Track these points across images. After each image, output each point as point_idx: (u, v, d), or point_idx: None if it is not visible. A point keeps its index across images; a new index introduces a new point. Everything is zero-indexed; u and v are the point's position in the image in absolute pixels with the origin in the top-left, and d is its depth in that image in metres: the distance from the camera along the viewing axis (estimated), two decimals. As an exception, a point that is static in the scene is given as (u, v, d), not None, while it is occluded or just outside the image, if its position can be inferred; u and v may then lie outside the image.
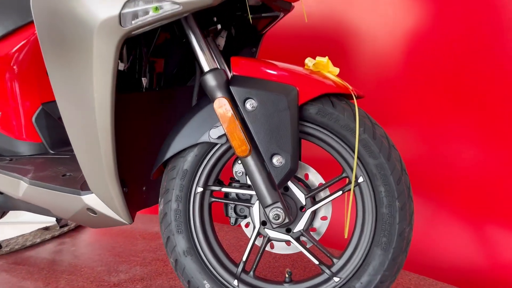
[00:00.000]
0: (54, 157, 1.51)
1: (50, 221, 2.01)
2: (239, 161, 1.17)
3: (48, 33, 1.00)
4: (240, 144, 1.00)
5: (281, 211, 1.00)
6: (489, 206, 1.60)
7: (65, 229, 2.07)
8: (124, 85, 1.19)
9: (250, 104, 1.00)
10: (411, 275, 1.49)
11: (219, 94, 1.01)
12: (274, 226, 1.02)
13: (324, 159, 1.43)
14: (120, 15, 0.92)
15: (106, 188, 1.13)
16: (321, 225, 1.14)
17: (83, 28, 0.94)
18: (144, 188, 1.33)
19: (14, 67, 1.46)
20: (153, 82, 1.31)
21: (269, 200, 1.01)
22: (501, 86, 1.54)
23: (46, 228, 2.10)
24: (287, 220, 1.01)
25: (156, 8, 0.91)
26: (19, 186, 1.30)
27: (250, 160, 1.01)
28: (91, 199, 1.18)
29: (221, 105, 1.00)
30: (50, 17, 0.99)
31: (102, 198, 1.16)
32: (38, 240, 1.94)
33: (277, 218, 1.00)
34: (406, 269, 1.53)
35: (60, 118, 1.47)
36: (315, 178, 1.15)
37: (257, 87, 1.00)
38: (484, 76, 1.57)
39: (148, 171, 1.29)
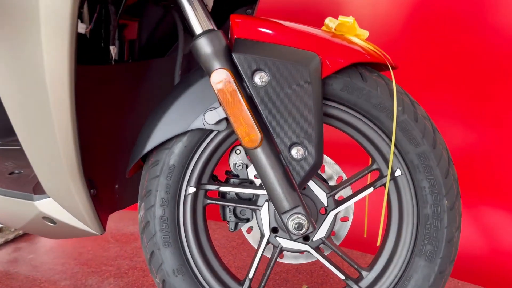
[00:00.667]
0: (1, 148, 1.21)
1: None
2: (238, 150, 0.93)
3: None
4: (248, 131, 0.75)
5: (304, 219, 0.77)
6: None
7: (21, 231, 1.77)
8: (87, 55, 0.92)
9: (259, 78, 0.75)
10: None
11: (217, 64, 0.75)
12: (295, 237, 0.78)
13: (339, 143, 1.20)
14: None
15: (68, 191, 0.87)
16: (340, 227, 0.92)
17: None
18: (116, 187, 1.07)
19: None
20: (125, 52, 1.03)
21: (287, 205, 0.77)
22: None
23: (-1, 230, 1.79)
24: (311, 230, 0.77)
25: None
26: (-47, 188, 1.01)
27: (261, 153, 0.76)
28: (47, 205, 0.91)
29: (221, 80, 0.75)
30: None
31: (62, 204, 0.90)
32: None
33: (299, 228, 0.76)
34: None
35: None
36: (333, 171, 0.93)
37: (268, 55, 0.76)
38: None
39: (121, 165, 1.03)
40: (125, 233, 1.62)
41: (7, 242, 1.64)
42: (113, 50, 0.97)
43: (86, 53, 0.93)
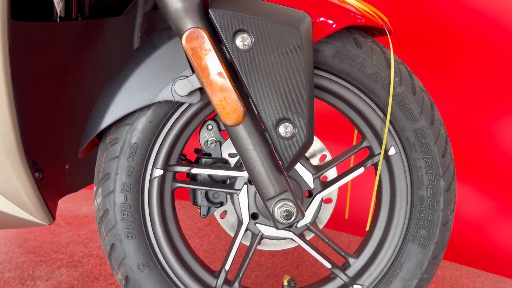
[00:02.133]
0: None
1: None
2: (209, 126, 0.82)
3: None
4: (227, 104, 0.63)
5: (293, 206, 0.67)
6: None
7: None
8: (24, 10, 0.75)
9: (242, 40, 0.63)
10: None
11: (190, 23, 0.63)
12: (281, 226, 0.68)
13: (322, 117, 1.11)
14: None
15: (6, 175, 0.72)
16: (323, 211, 0.84)
17: None
18: (67, 167, 0.93)
19: None
20: (72, 8, 0.87)
21: (273, 191, 0.67)
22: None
23: None
24: (300, 218, 0.68)
25: None
26: None
27: (243, 130, 0.65)
28: (-20, 192, 0.76)
29: (195, 42, 0.62)
30: None
31: (1, 191, 0.75)
32: None
33: (288, 216, 0.66)
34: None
35: None
36: (316, 148, 0.83)
37: (253, 13, 0.63)
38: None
39: (72, 143, 0.89)
40: (77, 214, 1.46)
41: None
42: (58, 4, 0.80)
43: (23, 6, 0.76)
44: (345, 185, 0.97)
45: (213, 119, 0.82)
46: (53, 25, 0.80)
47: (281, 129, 0.65)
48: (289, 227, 0.77)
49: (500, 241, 1.25)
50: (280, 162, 0.67)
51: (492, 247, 1.26)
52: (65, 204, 1.54)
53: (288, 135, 0.65)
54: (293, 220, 0.67)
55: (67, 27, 0.84)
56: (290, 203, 0.67)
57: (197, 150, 0.85)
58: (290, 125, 0.65)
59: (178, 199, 1.49)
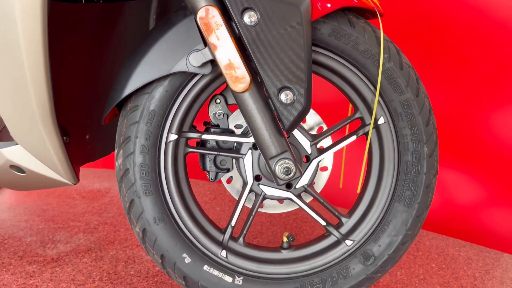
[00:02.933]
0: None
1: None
2: (218, 100, 0.91)
3: None
4: (236, 74, 0.72)
5: (292, 163, 0.76)
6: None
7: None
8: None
9: (249, 17, 0.72)
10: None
11: (203, 1, 0.71)
12: (281, 182, 0.78)
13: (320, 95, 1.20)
14: None
15: (39, 137, 0.82)
16: (319, 177, 0.93)
17: None
18: (87, 137, 1.02)
19: None
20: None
21: (274, 150, 0.76)
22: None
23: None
24: (298, 175, 0.77)
25: None
26: None
27: (249, 97, 0.74)
28: (15, 153, 0.86)
29: (208, 18, 0.71)
30: None
31: (32, 151, 0.85)
32: None
33: (287, 172, 0.76)
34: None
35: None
36: (314, 121, 0.93)
37: (259, -7, 0.72)
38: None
39: (94, 113, 0.98)
40: (91, 189, 1.56)
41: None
42: (84, -13, 0.89)
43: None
44: (340, 159, 1.07)
45: (221, 94, 0.91)
46: (80, 6, 0.89)
47: (283, 96, 0.74)
48: (288, 185, 0.87)
49: (484, 216, 1.35)
50: (281, 125, 0.76)
51: (476, 221, 1.35)
52: (79, 182, 1.63)
53: (289, 101, 0.75)
54: (292, 176, 0.77)
55: (90, 8, 0.93)
56: (289, 161, 0.76)
57: (206, 123, 0.94)
58: (291, 92, 0.75)
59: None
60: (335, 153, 0.91)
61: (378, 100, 0.84)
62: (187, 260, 0.85)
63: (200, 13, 0.71)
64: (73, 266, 1.06)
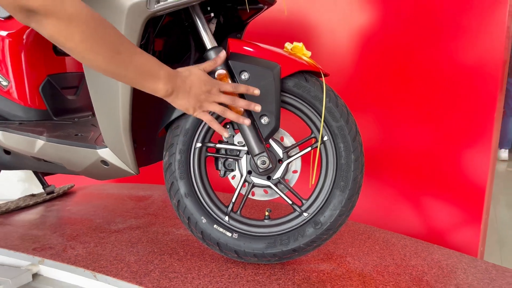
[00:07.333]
0: (59, 122, 1.71)
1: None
2: (228, 126, 1.46)
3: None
4: (235, 109, 1.28)
5: (267, 159, 1.30)
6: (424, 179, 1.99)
7: (48, 197, 2.24)
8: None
9: (244, 76, 1.28)
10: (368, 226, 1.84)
11: (219, 67, 1.28)
12: (261, 170, 1.31)
13: (295, 128, 1.74)
14: (147, -1, 1.17)
15: (121, 144, 1.37)
16: (292, 177, 1.45)
17: (116, 9, 1.19)
18: (144, 149, 1.58)
19: (25, 42, 1.65)
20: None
21: (257, 150, 1.30)
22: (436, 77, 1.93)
23: (33, 195, 2.26)
24: (271, 166, 1.30)
25: (176, -4, 1.17)
26: (35, 144, 1.51)
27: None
28: (105, 153, 1.42)
29: (221, 77, 1.28)
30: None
31: (115, 152, 1.40)
32: (22, 204, 2.09)
33: (263, 163, 1.30)
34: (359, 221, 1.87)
35: (63, 88, 1.70)
36: (289, 140, 1.45)
37: (250, 62, 1.29)
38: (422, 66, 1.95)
39: (148, 134, 1.55)
40: (137, 195, 2.12)
41: (36, 204, 2.12)
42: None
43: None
44: (310, 164, 1.58)
45: (230, 122, 1.46)
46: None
47: (262, 119, 1.29)
48: (267, 178, 1.39)
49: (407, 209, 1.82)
50: (261, 136, 1.30)
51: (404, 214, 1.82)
52: (128, 190, 2.20)
53: (265, 123, 1.29)
54: (267, 166, 1.30)
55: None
56: (265, 158, 1.30)
57: (220, 141, 1.49)
58: (267, 118, 1.29)
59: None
60: (307, 161, 1.43)
61: (323, 126, 1.37)
62: (204, 221, 1.37)
63: (217, 73, 1.28)
64: (128, 234, 1.59)
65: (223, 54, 1.26)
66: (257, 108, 1.22)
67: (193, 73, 1.14)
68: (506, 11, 1.83)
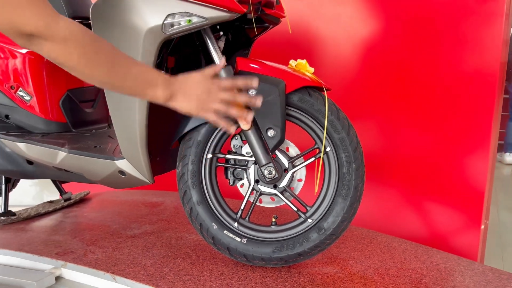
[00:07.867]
0: (79, 134, 1.82)
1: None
2: (237, 137, 1.55)
3: (103, 35, 1.34)
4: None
5: (273, 169, 1.40)
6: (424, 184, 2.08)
7: (65, 204, 2.35)
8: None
9: (252, 92, 1.38)
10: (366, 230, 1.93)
11: (228, 84, 1.38)
12: (268, 180, 1.41)
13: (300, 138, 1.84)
14: (163, 24, 1.27)
15: (137, 155, 1.48)
16: (297, 185, 1.54)
17: (133, 33, 1.29)
18: (158, 159, 1.68)
19: (45, 59, 1.77)
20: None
21: (264, 161, 1.40)
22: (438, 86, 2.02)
23: (51, 202, 2.37)
24: (277, 176, 1.40)
25: (189, 21, 1.28)
26: (57, 155, 1.62)
27: (251, 133, 1.39)
28: (123, 164, 1.52)
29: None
30: (106, 22, 1.33)
31: (132, 163, 1.51)
32: (42, 211, 2.21)
33: (270, 173, 1.39)
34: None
35: (81, 102, 1.81)
36: (294, 150, 1.55)
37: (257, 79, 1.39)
38: (423, 75, 2.04)
39: (162, 145, 1.65)
40: (151, 201, 2.22)
41: (55, 210, 2.23)
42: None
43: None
44: (313, 173, 1.67)
45: (238, 134, 1.56)
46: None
47: (269, 132, 1.39)
48: (273, 187, 1.48)
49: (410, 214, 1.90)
50: (268, 148, 1.40)
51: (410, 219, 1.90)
52: (142, 197, 2.30)
53: (272, 135, 1.39)
54: (273, 176, 1.39)
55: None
56: (272, 168, 1.39)
57: (229, 151, 1.59)
58: (274, 131, 1.39)
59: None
60: (312, 170, 1.52)
61: (326, 137, 1.46)
62: (215, 227, 1.47)
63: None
64: (144, 239, 1.69)
65: (222, 61, 1.35)
66: (258, 102, 1.28)
67: (190, 76, 1.19)
68: (503, 20, 1.91)
